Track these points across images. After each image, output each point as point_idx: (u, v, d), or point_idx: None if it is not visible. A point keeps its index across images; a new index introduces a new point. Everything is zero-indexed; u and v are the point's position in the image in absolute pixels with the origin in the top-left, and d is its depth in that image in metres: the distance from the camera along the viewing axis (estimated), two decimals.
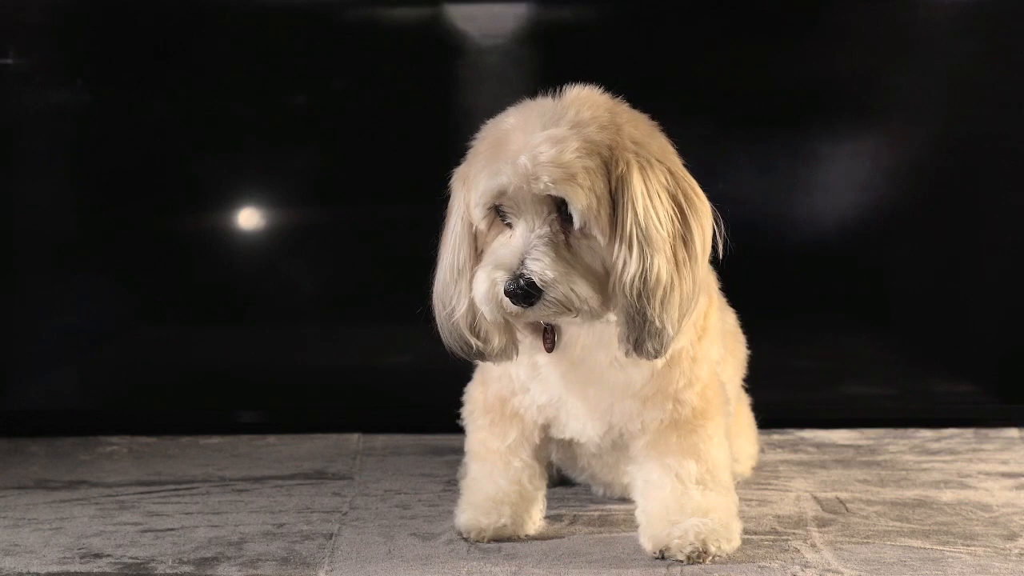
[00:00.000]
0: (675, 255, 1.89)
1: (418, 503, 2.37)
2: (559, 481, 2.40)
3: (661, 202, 1.89)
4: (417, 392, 2.98)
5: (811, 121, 2.97)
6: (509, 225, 1.92)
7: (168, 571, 2.01)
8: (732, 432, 2.20)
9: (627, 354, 1.92)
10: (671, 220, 1.89)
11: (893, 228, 2.99)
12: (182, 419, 2.98)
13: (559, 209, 1.88)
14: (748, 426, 2.51)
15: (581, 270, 1.88)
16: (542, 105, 1.94)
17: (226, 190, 3.00)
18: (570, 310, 1.88)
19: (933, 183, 2.98)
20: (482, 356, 2.03)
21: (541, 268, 1.85)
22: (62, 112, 2.99)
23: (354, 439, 2.88)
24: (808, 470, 2.59)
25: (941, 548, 2.08)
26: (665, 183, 1.90)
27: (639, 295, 1.86)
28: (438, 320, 2.03)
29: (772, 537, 2.14)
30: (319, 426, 2.96)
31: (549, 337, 2.02)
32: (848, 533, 2.16)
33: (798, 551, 2.06)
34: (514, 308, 1.87)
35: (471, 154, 1.98)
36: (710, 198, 1.96)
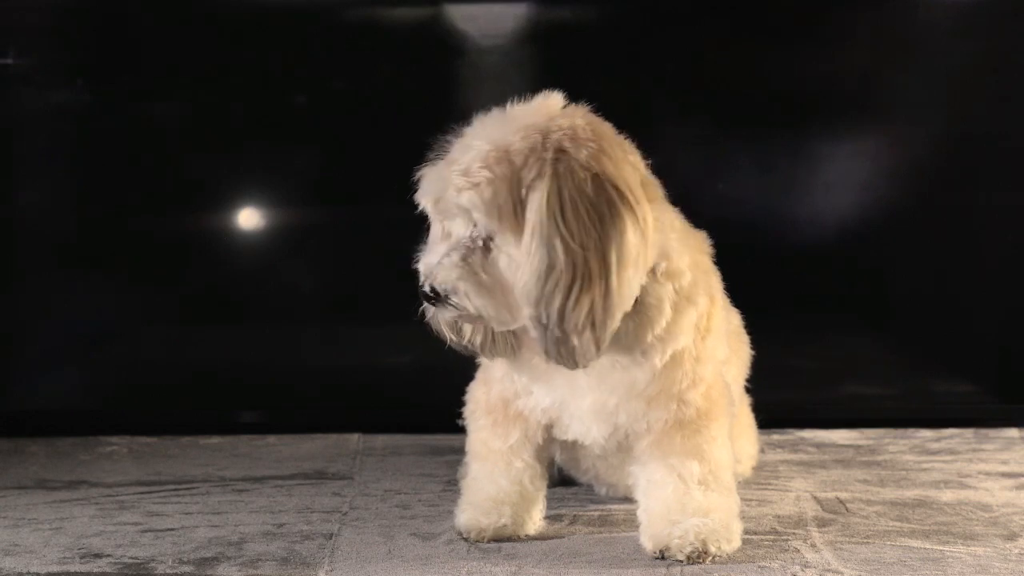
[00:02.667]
0: (587, 265, 1.82)
1: (418, 503, 2.37)
2: (560, 481, 2.40)
3: (574, 210, 1.83)
4: (417, 392, 2.98)
5: (811, 121, 2.97)
6: None
7: (168, 571, 2.00)
8: (733, 432, 2.20)
9: (545, 362, 1.94)
10: (585, 230, 1.83)
11: (893, 228, 2.98)
12: (182, 419, 2.98)
13: None
14: (748, 426, 2.51)
15: (486, 280, 1.88)
16: (497, 114, 1.94)
17: (226, 190, 3.00)
18: (477, 316, 1.91)
19: (933, 183, 2.98)
20: (474, 351, 2.05)
21: (444, 276, 1.89)
22: (62, 112, 2.99)
23: (354, 439, 2.88)
24: (808, 470, 2.59)
25: (941, 548, 2.08)
26: (588, 191, 1.83)
27: (535, 302, 1.84)
28: None
29: (772, 537, 2.14)
30: (319, 426, 2.95)
31: None
32: (848, 533, 2.16)
33: (798, 551, 2.06)
34: (427, 305, 1.94)
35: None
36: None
